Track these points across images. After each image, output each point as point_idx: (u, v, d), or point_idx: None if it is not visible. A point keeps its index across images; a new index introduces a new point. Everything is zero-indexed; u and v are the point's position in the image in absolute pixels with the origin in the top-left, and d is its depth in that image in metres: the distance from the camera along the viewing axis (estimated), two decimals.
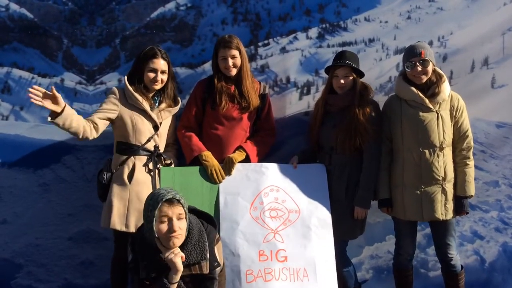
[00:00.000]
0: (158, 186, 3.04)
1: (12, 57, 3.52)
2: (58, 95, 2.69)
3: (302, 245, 2.95)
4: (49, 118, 2.72)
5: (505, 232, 3.76)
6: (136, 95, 3.01)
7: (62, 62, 3.54)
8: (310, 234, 2.99)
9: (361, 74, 3.18)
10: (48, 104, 2.67)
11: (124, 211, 2.95)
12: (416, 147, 3.00)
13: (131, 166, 3.01)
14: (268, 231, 2.95)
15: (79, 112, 3.44)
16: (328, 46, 3.66)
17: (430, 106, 3.00)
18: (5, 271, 3.46)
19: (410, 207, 3.03)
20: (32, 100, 2.62)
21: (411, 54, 3.01)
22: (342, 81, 3.10)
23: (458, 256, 3.16)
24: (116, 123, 3.04)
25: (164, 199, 2.30)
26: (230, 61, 3.10)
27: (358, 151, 3.10)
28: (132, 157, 3.02)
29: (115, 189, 2.98)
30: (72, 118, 2.77)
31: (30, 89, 2.63)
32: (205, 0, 3.57)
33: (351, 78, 3.12)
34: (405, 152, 3.04)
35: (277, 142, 3.42)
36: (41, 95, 2.64)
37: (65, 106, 2.74)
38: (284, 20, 3.67)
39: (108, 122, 3.00)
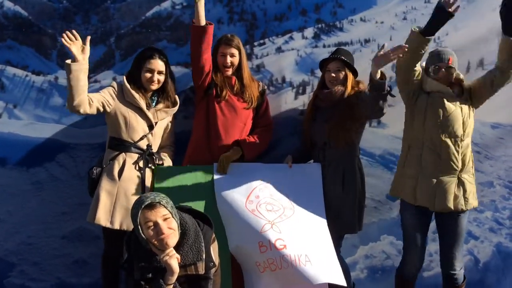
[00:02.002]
0: (149, 185, 3.04)
1: (6, 54, 3.49)
2: (88, 49, 2.80)
3: (299, 235, 2.90)
4: (68, 60, 2.76)
5: (499, 232, 3.78)
6: (133, 92, 3.01)
7: (57, 60, 3.52)
8: (306, 228, 2.96)
9: (354, 73, 3.19)
10: (75, 49, 2.75)
11: (110, 207, 2.94)
12: (438, 135, 2.94)
13: (121, 163, 3.00)
14: (265, 221, 2.91)
15: None
16: (324, 46, 3.66)
17: (454, 96, 2.97)
18: None
19: (421, 194, 2.98)
20: (63, 39, 2.73)
21: (438, 59, 2.98)
22: (333, 74, 3.13)
23: (462, 270, 3.11)
24: (110, 118, 3.03)
25: (143, 206, 2.30)
26: (229, 59, 3.17)
27: (351, 144, 3.13)
28: (123, 153, 3.01)
29: (104, 183, 2.96)
30: (85, 75, 2.81)
31: (67, 32, 2.75)
32: None
33: (342, 72, 3.14)
34: (425, 140, 2.98)
35: (272, 141, 3.42)
36: (74, 39, 2.74)
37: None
38: (280, 20, 3.66)
39: (102, 109, 2.96)
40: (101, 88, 3.37)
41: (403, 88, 3.09)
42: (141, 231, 2.31)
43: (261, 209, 2.97)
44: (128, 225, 2.92)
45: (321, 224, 3.02)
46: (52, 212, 3.48)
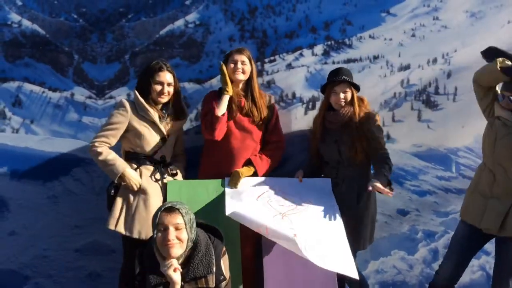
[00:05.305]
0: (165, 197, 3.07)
1: (24, 72, 3.58)
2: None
3: (312, 228, 2.86)
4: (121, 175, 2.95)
5: None
6: (147, 106, 3.05)
7: (73, 77, 3.60)
8: (320, 224, 2.92)
9: (357, 89, 3.22)
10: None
11: (130, 217, 2.95)
12: (493, 157, 2.93)
13: (138, 175, 3.03)
14: (276, 213, 2.90)
15: (88, 126, 3.50)
16: (333, 62, 3.71)
17: None
18: (13, 282, 3.49)
19: (472, 211, 2.99)
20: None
21: (505, 87, 2.89)
22: (341, 96, 3.15)
23: None
24: (125, 134, 3.07)
25: (163, 208, 2.36)
26: (240, 65, 3.17)
27: (365, 161, 3.15)
28: (139, 167, 3.05)
29: (123, 194, 2.99)
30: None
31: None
32: (213, 18, 3.64)
33: (349, 93, 3.17)
34: (486, 160, 3.00)
35: (282, 157, 3.43)
36: None
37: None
38: (290, 37, 3.72)
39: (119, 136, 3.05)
40: (115, 104, 3.44)
41: (479, 101, 3.08)
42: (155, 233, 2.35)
43: (273, 204, 2.99)
44: (147, 235, 2.92)
45: (337, 223, 2.96)
46: (67, 225, 3.53)
